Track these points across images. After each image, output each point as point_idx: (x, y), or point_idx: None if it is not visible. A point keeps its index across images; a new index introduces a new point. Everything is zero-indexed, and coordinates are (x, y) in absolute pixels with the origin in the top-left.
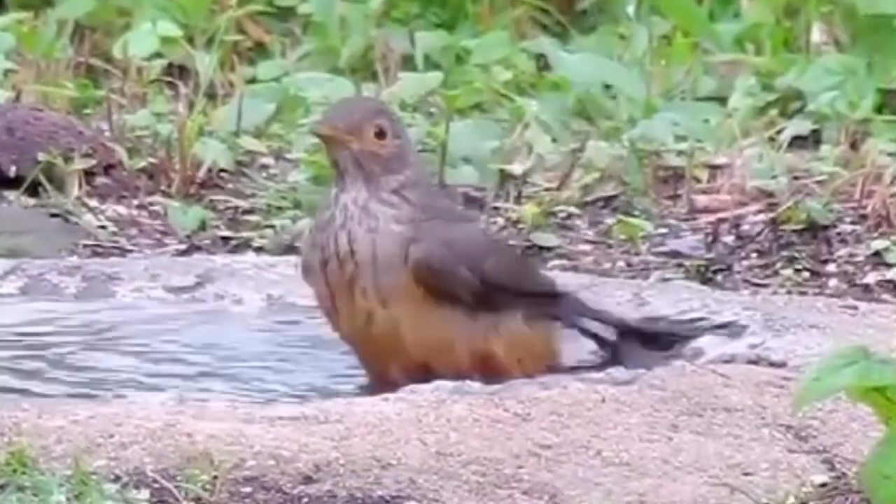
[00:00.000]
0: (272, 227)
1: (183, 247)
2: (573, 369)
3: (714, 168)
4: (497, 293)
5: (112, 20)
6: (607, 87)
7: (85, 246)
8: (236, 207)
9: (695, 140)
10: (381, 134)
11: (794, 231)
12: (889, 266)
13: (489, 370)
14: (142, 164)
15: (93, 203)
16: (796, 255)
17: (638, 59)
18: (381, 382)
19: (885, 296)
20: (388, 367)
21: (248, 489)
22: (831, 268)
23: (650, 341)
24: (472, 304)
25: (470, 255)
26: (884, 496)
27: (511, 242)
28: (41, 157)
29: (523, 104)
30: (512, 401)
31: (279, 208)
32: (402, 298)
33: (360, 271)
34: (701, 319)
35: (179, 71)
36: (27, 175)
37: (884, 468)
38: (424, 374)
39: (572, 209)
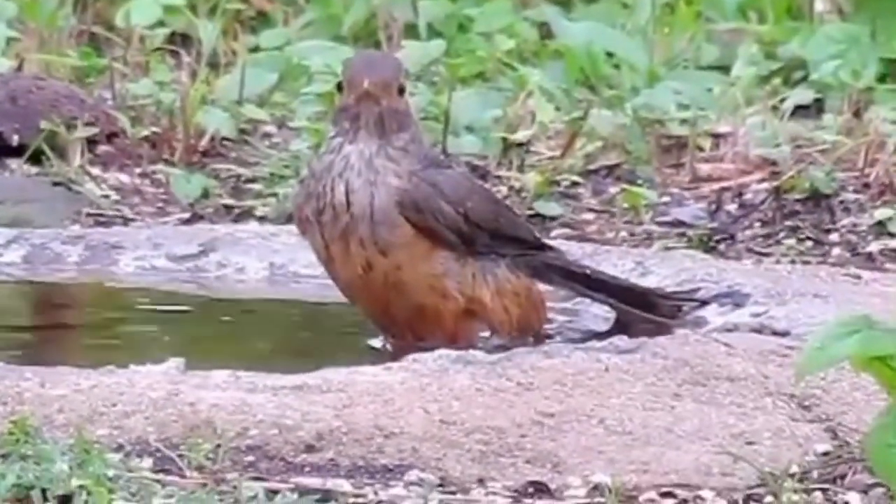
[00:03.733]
0: (275, 195)
1: (186, 215)
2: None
3: (717, 137)
4: (480, 234)
5: None
6: (610, 55)
7: (88, 215)
8: (239, 176)
9: (698, 109)
10: (402, 90)
11: (798, 200)
12: (892, 235)
13: (476, 317)
14: (144, 132)
15: (95, 172)
16: (799, 223)
17: (641, 27)
18: (384, 330)
19: (889, 264)
20: (387, 314)
21: (250, 458)
22: (834, 237)
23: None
24: (458, 246)
25: (453, 195)
26: (887, 465)
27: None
28: (44, 125)
29: (526, 73)
30: (515, 370)
31: (282, 177)
32: (399, 247)
33: (355, 223)
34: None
35: (182, 39)
36: (30, 144)
37: (887, 437)
38: (421, 325)
39: (575, 178)
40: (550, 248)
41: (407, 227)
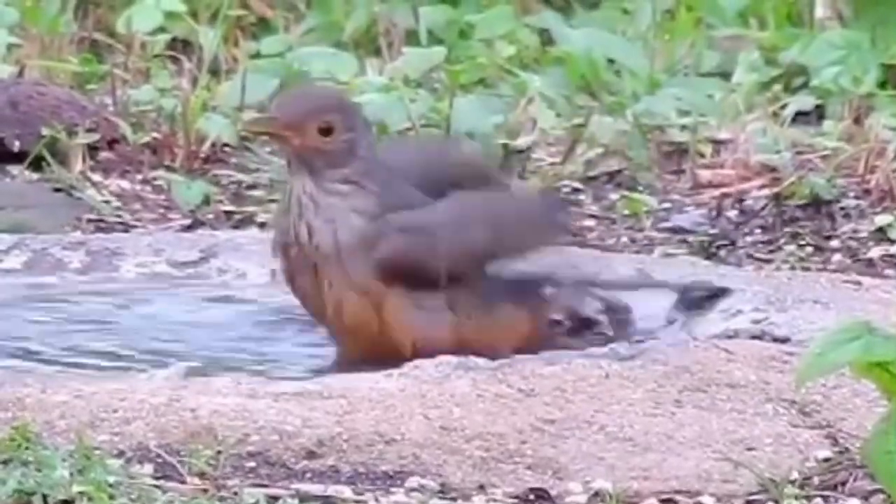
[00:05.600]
0: (276, 201)
1: (187, 222)
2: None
3: (718, 143)
4: (464, 274)
5: None
6: (611, 61)
7: (88, 221)
8: (240, 182)
9: (698, 115)
10: (327, 131)
11: (798, 206)
12: (892, 241)
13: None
14: (145, 138)
15: (96, 178)
16: (800, 230)
17: (641, 33)
18: (352, 360)
19: (889, 271)
20: (361, 349)
21: (251, 464)
22: (835, 243)
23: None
24: (440, 287)
25: (437, 240)
26: (887, 471)
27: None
28: (45, 131)
29: (527, 79)
30: (516, 376)
31: (283, 183)
32: (370, 287)
33: (324, 263)
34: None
35: (183, 46)
36: (31, 150)
37: (887, 444)
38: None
39: (576, 184)
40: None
41: (379, 272)
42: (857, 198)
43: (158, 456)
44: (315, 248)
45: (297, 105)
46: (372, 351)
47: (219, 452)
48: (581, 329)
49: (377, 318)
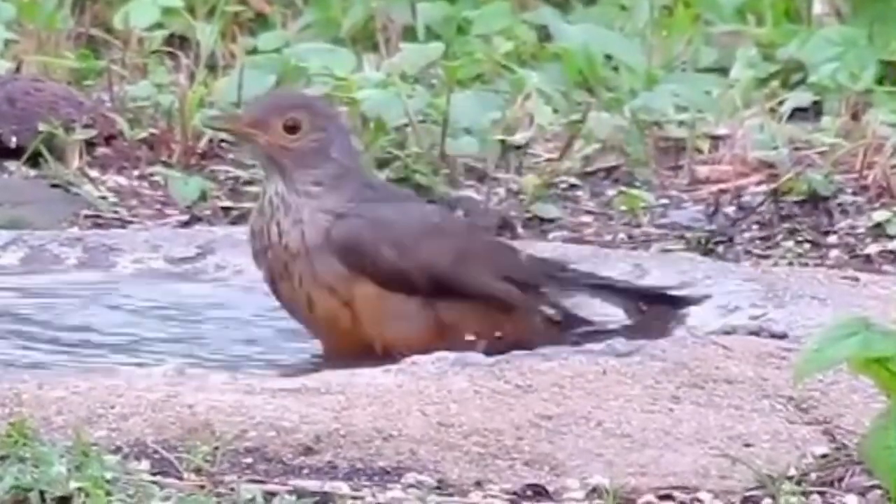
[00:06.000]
0: None
1: (184, 217)
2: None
3: (715, 139)
4: (423, 277)
5: None
6: (608, 57)
7: (86, 217)
8: (237, 178)
9: (696, 111)
10: (293, 128)
11: (796, 202)
12: (890, 237)
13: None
14: (142, 134)
15: (93, 174)
16: (797, 226)
17: (639, 29)
18: (331, 356)
19: (886, 267)
20: (337, 346)
21: (249, 460)
22: (832, 239)
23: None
24: (396, 286)
25: (399, 235)
26: (884, 467)
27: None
28: (42, 127)
29: (524, 75)
30: (513, 372)
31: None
32: (338, 285)
33: (293, 262)
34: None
35: (180, 41)
36: (28, 146)
37: (884, 439)
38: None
39: (573, 180)
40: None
41: (340, 266)
42: (854, 194)
43: (156, 452)
44: (284, 248)
45: (262, 103)
46: (347, 346)
47: (216, 448)
48: (569, 324)
49: (349, 314)
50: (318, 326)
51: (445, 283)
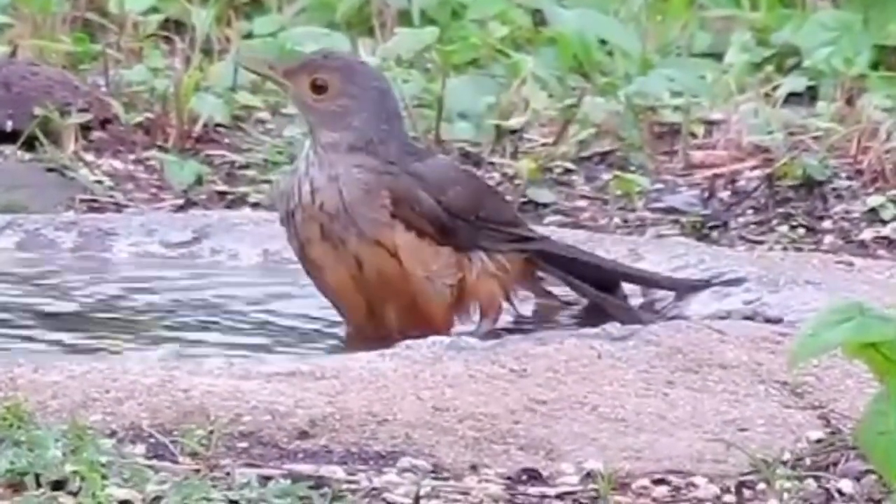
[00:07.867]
0: (268, 181)
1: (179, 202)
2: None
3: (710, 124)
4: (461, 224)
5: None
6: (603, 42)
7: (81, 201)
8: (233, 162)
9: (691, 96)
10: (320, 88)
11: (790, 187)
12: (884, 222)
13: (464, 305)
14: (138, 119)
15: (89, 158)
16: (792, 211)
17: (634, 14)
18: (364, 332)
19: (881, 251)
20: (382, 310)
21: (244, 444)
22: (827, 224)
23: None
24: (439, 236)
25: (433, 184)
26: (879, 452)
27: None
28: (37, 111)
29: (519, 60)
30: (508, 357)
31: (275, 163)
32: (386, 236)
33: (333, 222)
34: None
35: (176, 26)
36: (23, 130)
37: (879, 424)
38: (410, 319)
39: (568, 165)
40: (541, 237)
41: (387, 218)
42: (849, 179)
43: (151, 436)
44: (319, 208)
45: (303, 56)
46: (394, 301)
47: (211, 433)
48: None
49: (396, 265)
50: (363, 289)
51: (482, 225)
